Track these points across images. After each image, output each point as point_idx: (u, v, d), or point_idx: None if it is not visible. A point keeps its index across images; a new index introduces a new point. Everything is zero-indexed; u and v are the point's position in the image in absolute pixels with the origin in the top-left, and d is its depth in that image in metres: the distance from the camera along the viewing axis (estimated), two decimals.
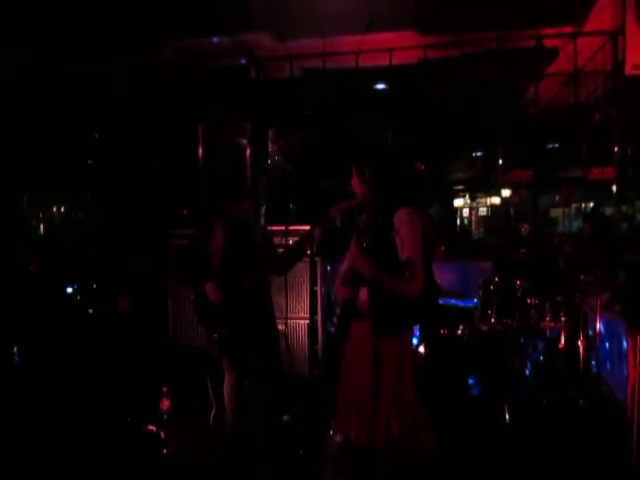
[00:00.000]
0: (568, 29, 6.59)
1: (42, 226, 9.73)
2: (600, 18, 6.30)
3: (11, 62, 6.81)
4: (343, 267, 2.82)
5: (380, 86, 8.23)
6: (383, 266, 2.56)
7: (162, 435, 3.65)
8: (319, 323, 4.99)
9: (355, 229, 2.73)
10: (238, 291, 3.56)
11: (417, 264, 2.56)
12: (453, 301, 4.94)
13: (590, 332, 4.37)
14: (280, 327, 4.83)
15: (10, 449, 3.55)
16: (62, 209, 10.18)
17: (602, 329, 4.25)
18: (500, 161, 9.46)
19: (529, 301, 4.38)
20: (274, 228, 4.77)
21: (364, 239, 2.60)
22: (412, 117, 8.24)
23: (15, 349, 5.00)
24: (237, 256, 3.61)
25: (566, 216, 10.96)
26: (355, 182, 2.78)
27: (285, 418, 4.09)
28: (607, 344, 4.51)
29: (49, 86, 7.55)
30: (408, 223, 2.59)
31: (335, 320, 2.69)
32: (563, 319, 4.38)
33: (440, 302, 4.73)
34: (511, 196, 11.26)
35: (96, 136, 8.52)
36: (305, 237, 3.65)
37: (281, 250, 4.02)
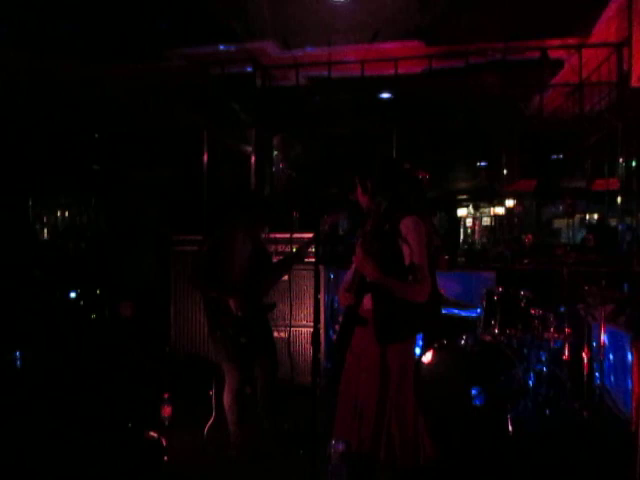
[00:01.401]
0: (573, 40, 6.61)
1: (46, 230, 9.76)
2: (605, 30, 6.31)
3: (18, 65, 6.85)
4: (348, 275, 2.83)
5: (385, 95, 8.26)
6: (389, 272, 2.56)
7: (163, 442, 3.63)
8: (322, 331, 4.99)
9: (361, 235, 2.74)
10: (258, 303, 3.76)
11: (423, 270, 2.57)
12: (456, 311, 4.93)
13: (594, 344, 4.35)
14: (283, 335, 4.86)
15: (11, 454, 3.54)
16: (66, 214, 10.21)
17: (606, 341, 4.23)
18: (504, 171, 9.47)
19: (533, 312, 4.37)
20: (278, 235, 4.78)
21: (369, 246, 2.60)
22: (416, 127, 8.27)
23: (17, 353, 5.00)
24: (259, 271, 3.77)
25: (569, 227, 10.94)
26: (358, 192, 2.79)
27: (286, 426, 4.08)
28: (611, 356, 4.49)
29: (55, 92, 7.59)
30: (415, 230, 2.60)
31: (338, 328, 2.68)
32: (567, 330, 4.36)
33: (443, 312, 4.72)
34: (515, 206, 11.26)
35: (98, 137, 8.55)
36: (291, 256, 3.87)
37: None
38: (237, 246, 3.70)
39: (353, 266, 2.75)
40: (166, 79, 7.39)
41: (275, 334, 4.10)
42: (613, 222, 8.09)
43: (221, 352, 3.68)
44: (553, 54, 6.80)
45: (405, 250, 2.59)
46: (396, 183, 2.76)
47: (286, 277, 4.26)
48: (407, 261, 2.57)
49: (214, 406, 4.01)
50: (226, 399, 3.70)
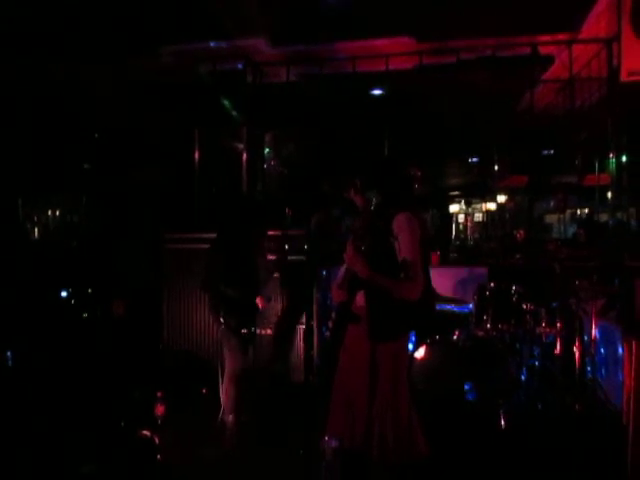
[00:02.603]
0: (563, 36, 6.63)
1: (37, 230, 9.69)
2: (595, 25, 6.33)
3: (7, 64, 6.79)
4: (340, 271, 2.82)
5: (376, 92, 8.25)
6: (381, 269, 2.56)
7: (156, 440, 3.62)
8: (314, 328, 4.99)
9: (353, 232, 2.73)
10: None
11: (416, 267, 2.56)
12: (448, 307, 4.94)
13: (586, 338, 4.38)
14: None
15: (4, 453, 3.52)
16: (57, 213, 10.14)
17: (597, 335, 4.26)
18: (495, 167, 9.48)
19: (524, 307, 4.39)
20: (271, 233, 4.77)
21: (361, 243, 2.60)
22: (408, 123, 8.26)
23: (9, 353, 4.97)
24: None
25: (561, 222, 10.99)
26: (351, 191, 2.78)
27: (281, 423, 4.10)
28: (602, 350, 4.52)
29: (44, 90, 7.53)
30: (407, 228, 2.60)
31: (331, 324, 2.68)
32: (559, 325, 4.38)
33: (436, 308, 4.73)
34: (506, 202, 11.30)
35: (88, 135, 8.49)
36: None
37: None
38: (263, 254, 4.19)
39: (344, 260, 2.74)
40: (156, 76, 7.34)
41: (268, 332, 4.18)
42: (604, 217, 8.13)
43: (224, 341, 3.94)
44: (544, 50, 6.81)
45: (397, 247, 2.58)
46: (387, 180, 2.76)
47: (277, 275, 4.29)
48: (399, 258, 2.57)
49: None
50: (225, 387, 3.86)
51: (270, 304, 4.62)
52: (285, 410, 4.14)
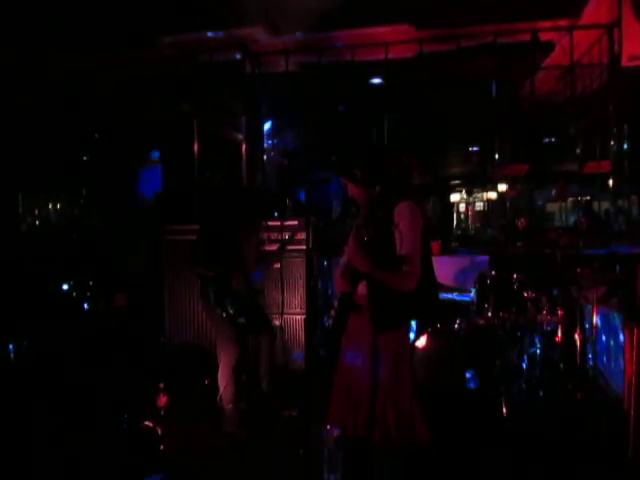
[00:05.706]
0: (564, 22, 6.58)
1: (37, 223, 9.68)
2: (596, 11, 6.28)
3: (6, 57, 6.77)
4: (342, 260, 2.81)
5: (376, 80, 8.20)
6: (381, 261, 2.55)
7: (159, 431, 3.64)
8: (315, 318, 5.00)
9: (355, 225, 2.72)
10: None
11: (415, 259, 2.54)
12: (450, 295, 4.94)
13: (587, 325, 4.38)
14: (277, 322, 4.89)
15: (6, 445, 3.54)
16: (58, 206, 10.13)
17: (599, 322, 4.25)
18: (496, 155, 9.45)
19: (526, 295, 4.38)
20: (270, 223, 4.77)
21: (363, 233, 2.58)
22: (408, 111, 8.23)
23: (12, 346, 4.99)
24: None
25: (562, 210, 10.97)
26: (350, 187, 2.74)
27: (286, 413, 4.12)
28: (604, 337, 4.52)
29: (45, 82, 7.50)
30: (409, 217, 2.57)
31: (332, 312, 2.68)
32: (560, 313, 4.38)
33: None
34: (507, 190, 11.26)
35: (87, 128, 8.48)
36: None
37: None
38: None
39: (346, 252, 2.73)
40: (154, 68, 7.31)
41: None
42: (605, 205, 8.12)
43: (221, 330, 3.87)
44: (544, 36, 6.77)
45: (397, 237, 2.57)
46: (387, 169, 2.73)
47: (278, 265, 4.28)
48: (399, 248, 2.55)
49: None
50: (222, 377, 3.83)
51: (270, 294, 4.62)
52: (286, 398, 4.16)
